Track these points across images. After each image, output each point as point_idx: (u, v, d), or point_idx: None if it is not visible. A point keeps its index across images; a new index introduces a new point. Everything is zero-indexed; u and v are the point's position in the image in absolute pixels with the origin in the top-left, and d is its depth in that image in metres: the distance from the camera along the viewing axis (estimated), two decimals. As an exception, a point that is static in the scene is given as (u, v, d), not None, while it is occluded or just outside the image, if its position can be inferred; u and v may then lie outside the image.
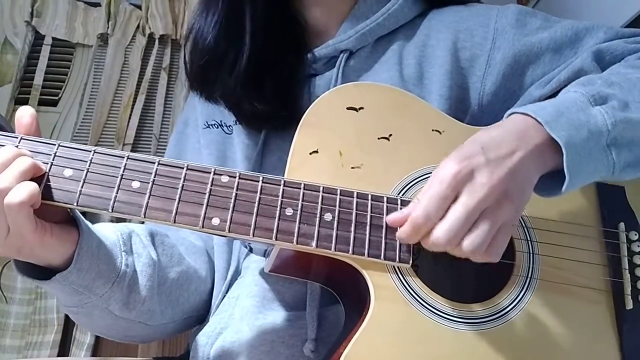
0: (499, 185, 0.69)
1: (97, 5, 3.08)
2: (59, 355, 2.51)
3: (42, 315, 2.56)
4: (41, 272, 0.76)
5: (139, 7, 3.10)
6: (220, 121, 1.10)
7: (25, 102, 2.85)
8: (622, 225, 0.88)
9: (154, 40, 3.06)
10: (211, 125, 1.10)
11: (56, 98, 2.94)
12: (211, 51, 1.01)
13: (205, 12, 1.03)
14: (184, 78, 2.93)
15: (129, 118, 2.90)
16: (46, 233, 0.70)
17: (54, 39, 3.00)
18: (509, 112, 0.80)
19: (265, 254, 0.95)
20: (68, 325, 2.57)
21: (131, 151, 2.74)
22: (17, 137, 0.71)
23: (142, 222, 0.79)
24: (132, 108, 2.92)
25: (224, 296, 0.98)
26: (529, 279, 0.82)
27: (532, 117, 0.75)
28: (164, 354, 2.40)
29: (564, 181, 0.73)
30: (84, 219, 0.77)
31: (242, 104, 1.02)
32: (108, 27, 3.02)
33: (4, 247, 0.68)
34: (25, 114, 0.72)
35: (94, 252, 0.77)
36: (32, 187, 0.65)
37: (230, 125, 1.09)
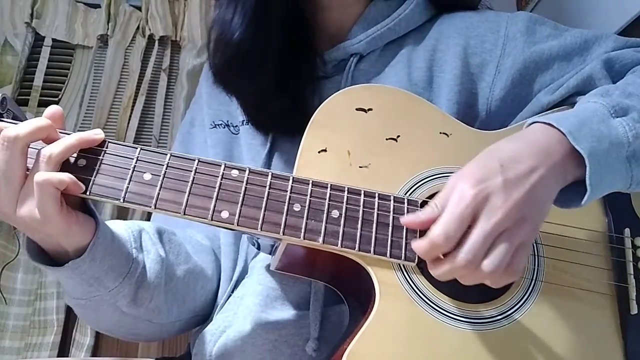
0: (515, 208, 0.69)
1: (97, 6, 3.09)
2: (58, 357, 2.50)
3: (41, 316, 2.55)
4: (50, 261, 0.77)
5: (139, 9, 3.10)
6: (227, 121, 1.10)
7: (25, 103, 2.85)
8: (627, 231, 0.88)
9: (153, 42, 3.07)
10: (218, 125, 1.10)
11: (56, 99, 2.93)
12: (238, 45, 0.99)
13: (232, 6, 1.00)
14: (184, 79, 2.96)
15: (129, 119, 2.90)
16: (72, 219, 0.71)
17: (53, 40, 3.00)
18: (530, 120, 0.80)
19: (271, 252, 0.95)
20: (68, 327, 2.56)
21: (131, 152, 2.74)
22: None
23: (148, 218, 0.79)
24: (132, 109, 2.92)
25: (230, 295, 0.98)
26: (533, 282, 0.82)
27: (554, 127, 0.75)
28: (164, 354, 2.40)
29: (584, 193, 0.73)
30: (97, 211, 0.78)
31: (255, 105, 1.03)
32: (108, 29, 3.03)
33: (26, 220, 0.69)
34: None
35: (108, 244, 0.77)
36: (66, 174, 0.69)
37: (236, 126, 1.09)
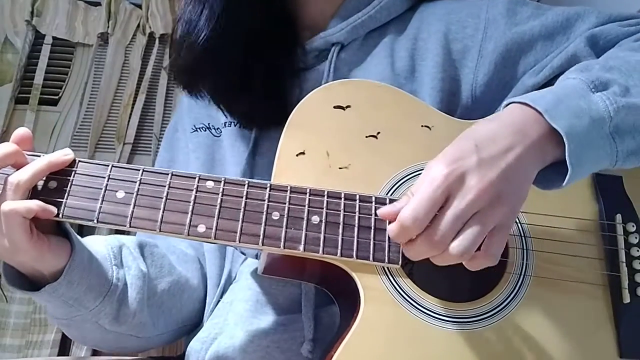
0: (490, 188, 0.66)
1: (98, 4, 3.07)
2: (59, 355, 2.51)
3: (42, 314, 2.56)
4: (30, 283, 0.76)
5: (139, 7, 3.08)
6: (209, 124, 1.09)
7: (25, 101, 2.85)
8: (619, 216, 0.86)
9: (154, 40, 3.05)
10: (199, 128, 1.09)
11: (56, 97, 2.93)
12: (205, 47, 0.96)
13: (198, 4, 0.99)
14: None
15: (129, 117, 2.88)
16: (44, 245, 0.71)
17: (54, 38, 3.00)
18: (506, 102, 0.77)
19: (257, 256, 0.94)
20: (68, 325, 2.58)
21: (131, 151, 2.74)
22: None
23: (128, 232, 0.79)
24: (133, 107, 2.90)
25: (218, 301, 0.97)
26: (522, 276, 0.80)
27: (530, 106, 0.72)
28: (163, 353, 2.40)
29: (566, 173, 0.70)
30: (74, 232, 0.77)
31: (234, 101, 1.02)
32: (108, 27, 3.01)
33: None
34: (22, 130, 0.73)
35: (85, 265, 0.77)
36: (34, 201, 0.68)
37: (218, 128, 1.08)
